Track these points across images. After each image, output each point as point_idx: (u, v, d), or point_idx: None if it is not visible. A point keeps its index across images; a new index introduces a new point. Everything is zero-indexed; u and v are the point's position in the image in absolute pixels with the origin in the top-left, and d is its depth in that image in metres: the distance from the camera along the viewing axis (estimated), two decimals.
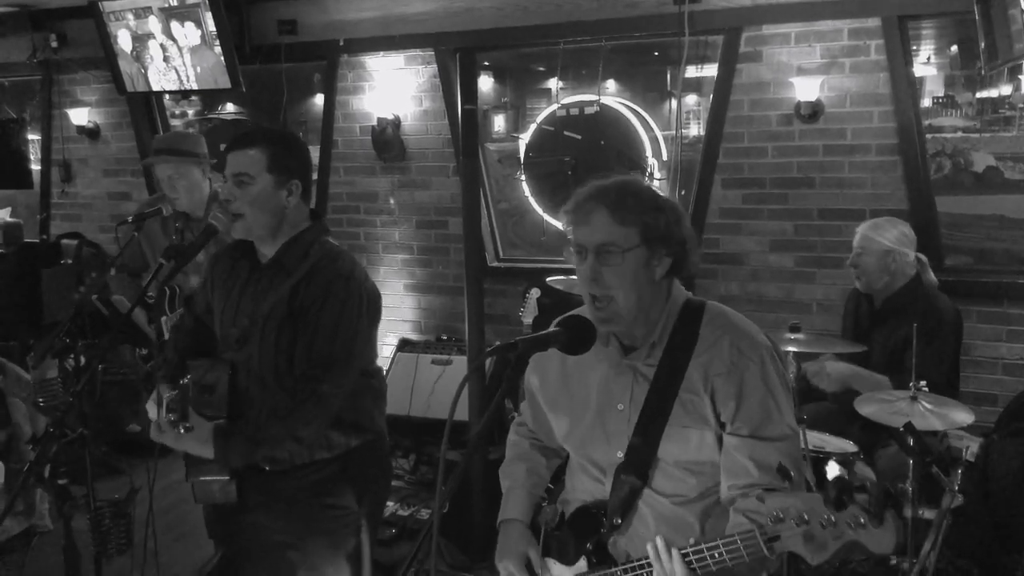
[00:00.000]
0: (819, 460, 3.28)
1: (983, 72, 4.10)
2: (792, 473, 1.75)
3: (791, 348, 3.39)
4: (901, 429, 2.71)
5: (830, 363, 3.66)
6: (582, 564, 1.98)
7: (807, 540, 1.54)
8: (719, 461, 1.85)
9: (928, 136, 4.76)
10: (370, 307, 2.39)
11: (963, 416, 3.00)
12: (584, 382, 1.99)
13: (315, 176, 4.86)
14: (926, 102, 6.70)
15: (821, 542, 1.53)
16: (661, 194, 1.90)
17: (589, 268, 1.81)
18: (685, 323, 1.89)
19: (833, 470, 3.26)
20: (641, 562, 1.83)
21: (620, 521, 1.92)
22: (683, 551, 1.71)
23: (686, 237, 1.86)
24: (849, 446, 3.40)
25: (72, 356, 3.71)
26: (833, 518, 1.51)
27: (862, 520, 1.48)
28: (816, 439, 3.39)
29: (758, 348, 1.85)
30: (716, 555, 1.67)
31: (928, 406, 3.00)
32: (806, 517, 1.53)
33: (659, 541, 1.73)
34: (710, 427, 1.84)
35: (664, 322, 1.89)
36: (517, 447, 2.23)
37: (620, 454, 1.91)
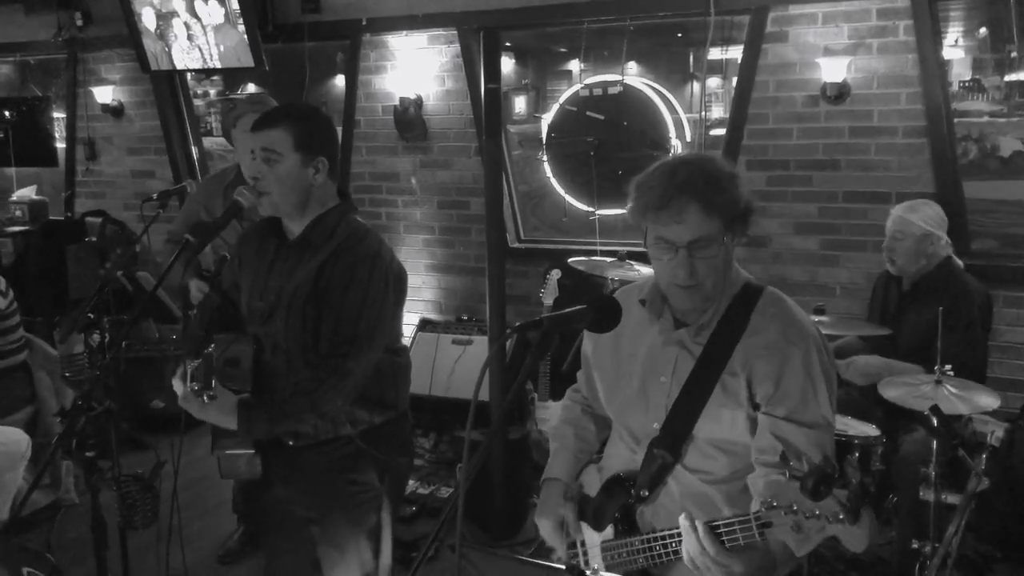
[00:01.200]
0: (841, 444, 3.27)
1: (1014, 53, 4.04)
2: (793, 462, 1.73)
3: None
4: (926, 412, 2.69)
5: (861, 357, 3.63)
6: (609, 531, 2.01)
7: (795, 530, 1.56)
8: (750, 443, 1.86)
9: (955, 120, 4.69)
10: (396, 286, 2.40)
11: (988, 401, 2.98)
12: (633, 349, 2.00)
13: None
14: (953, 86, 6.60)
15: (807, 533, 1.55)
16: (725, 163, 1.86)
17: (684, 264, 1.79)
18: (739, 306, 1.89)
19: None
20: (660, 534, 1.86)
21: (648, 493, 1.94)
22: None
23: (752, 205, 1.85)
24: (872, 430, 3.38)
25: (97, 332, 3.75)
26: (817, 510, 1.52)
27: (840, 516, 1.50)
28: (839, 423, 3.37)
29: (806, 337, 1.85)
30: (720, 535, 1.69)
31: (953, 390, 2.98)
32: (795, 507, 1.55)
33: (683, 519, 1.73)
34: (742, 407, 1.85)
35: (718, 303, 1.89)
36: (569, 411, 2.27)
37: (656, 425, 1.93)
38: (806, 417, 1.81)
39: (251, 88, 9.33)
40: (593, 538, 2.05)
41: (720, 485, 1.90)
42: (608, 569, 2.00)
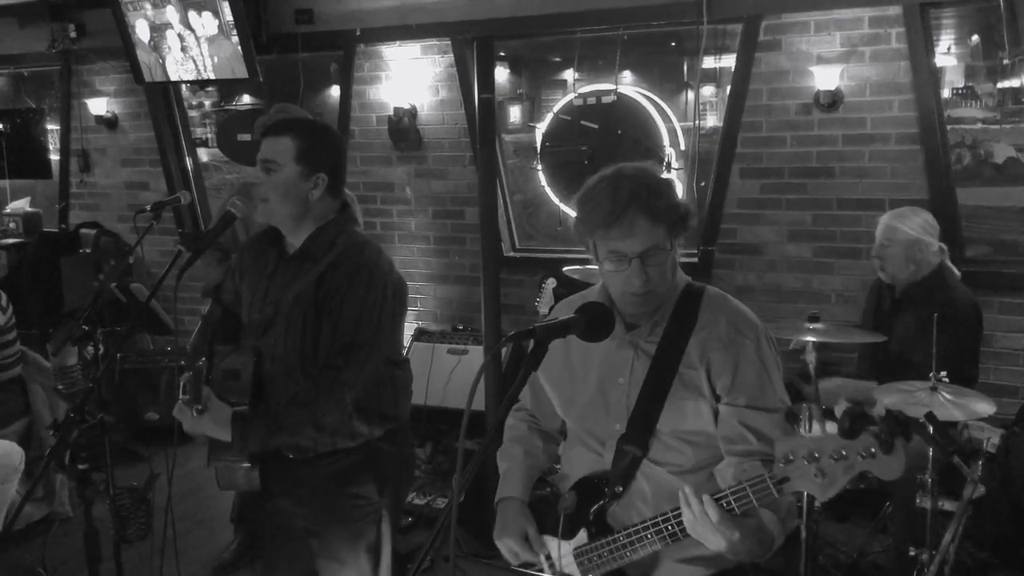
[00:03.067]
0: None
1: (1006, 60, 4.06)
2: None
3: (810, 338, 3.37)
4: (921, 419, 2.69)
5: (822, 382, 3.66)
6: (583, 536, 2.00)
7: (818, 476, 1.60)
8: (714, 432, 1.92)
9: (948, 127, 4.71)
10: (395, 297, 2.40)
11: (984, 407, 2.97)
12: (586, 356, 2.05)
13: None
14: (946, 93, 6.64)
15: (832, 477, 1.60)
16: (660, 171, 1.99)
17: (637, 273, 1.86)
18: (686, 305, 1.98)
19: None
20: (639, 526, 1.87)
21: (622, 489, 1.98)
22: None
23: (690, 209, 1.93)
24: None
25: (91, 344, 3.74)
26: (844, 451, 1.57)
27: (873, 449, 1.55)
28: (835, 431, 3.36)
29: (754, 327, 1.95)
30: (724, 504, 1.71)
31: (948, 397, 2.98)
32: (816, 455, 1.60)
33: (687, 488, 1.75)
34: (705, 398, 1.92)
35: (668, 302, 1.98)
36: (515, 430, 2.29)
37: (618, 426, 1.99)
38: (766, 403, 1.90)
39: (246, 99, 9.36)
40: (564, 548, 2.03)
41: (687, 475, 1.94)
42: (584, 574, 1.99)
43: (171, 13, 5.71)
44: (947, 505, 3.05)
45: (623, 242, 1.85)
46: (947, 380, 3.05)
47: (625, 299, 1.94)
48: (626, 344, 1.99)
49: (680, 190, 2.01)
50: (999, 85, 7.00)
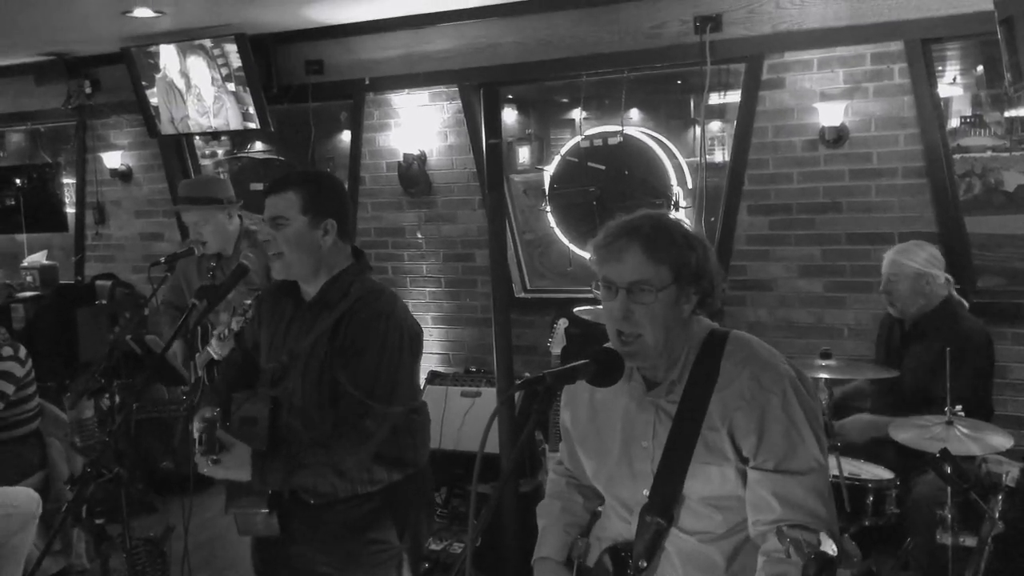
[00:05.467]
0: (855, 488, 3.24)
1: (1009, 93, 4.07)
2: (806, 515, 1.73)
3: (823, 375, 3.36)
4: (937, 455, 2.67)
5: (849, 420, 3.68)
6: None
7: None
8: (744, 495, 1.82)
9: (957, 156, 4.72)
10: (411, 344, 2.43)
11: (1001, 440, 2.96)
12: (610, 418, 1.97)
13: None
14: (954, 122, 6.65)
15: None
16: (690, 229, 1.88)
17: (620, 306, 1.79)
18: (706, 357, 1.86)
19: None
20: None
21: (646, 564, 1.88)
22: None
23: (714, 273, 1.85)
24: (884, 473, 3.35)
25: (107, 396, 3.77)
26: None
27: None
28: (851, 466, 3.35)
29: (780, 379, 1.81)
30: None
31: (965, 431, 2.96)
32: None
33: None
34: (730, 462, 1.81)
35: (685, 358, 1.87)
36: (555, 485, 2.22)
37: (645, 492, 1.89)
38: (797, 465, 1.77)
39: (259, 146, 9.49)
40: None
41: (719, 542, 1.85)
42: None
43: (184, 67, 5.83)
44: (968, 541, 3.01)
45: (612, 267, 1.80)
46: (963, 414, 3.03)
47: (613, 339, 1.84)
48: (647, 405, 1.89)
49: (694, 228, 1.95)
50: (1007, 114, 7.02)
